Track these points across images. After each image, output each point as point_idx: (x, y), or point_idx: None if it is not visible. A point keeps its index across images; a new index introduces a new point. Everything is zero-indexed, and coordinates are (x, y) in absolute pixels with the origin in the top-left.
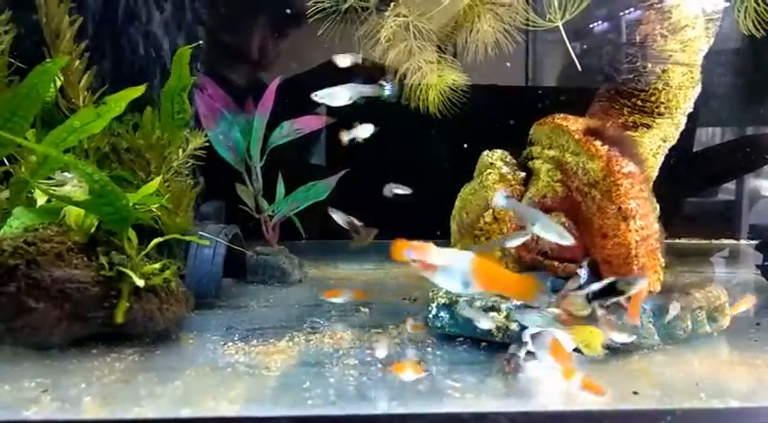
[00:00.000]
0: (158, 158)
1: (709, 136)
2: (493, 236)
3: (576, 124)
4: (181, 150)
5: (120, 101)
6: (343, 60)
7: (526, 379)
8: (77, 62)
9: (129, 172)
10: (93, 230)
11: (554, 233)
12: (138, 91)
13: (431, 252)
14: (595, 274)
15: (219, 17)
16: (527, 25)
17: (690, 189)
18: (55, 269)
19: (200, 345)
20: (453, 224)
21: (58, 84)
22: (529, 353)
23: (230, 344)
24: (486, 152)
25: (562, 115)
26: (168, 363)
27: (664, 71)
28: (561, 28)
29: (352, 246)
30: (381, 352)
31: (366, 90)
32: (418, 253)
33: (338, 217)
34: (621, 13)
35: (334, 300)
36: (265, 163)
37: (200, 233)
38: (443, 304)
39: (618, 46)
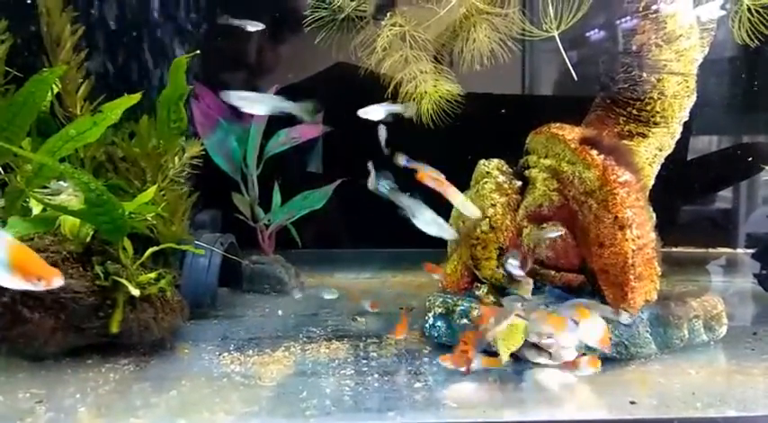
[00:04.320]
0: (154, 167)
1: (705, 144)
2: (489, 245)
3: (572, 133)
4: (177, 159)
5: (116, 109)
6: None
7: (524, 388)
8: (75, 71)
9: (124, 181)
10: (88, 240)
11: (435, 226)
12: (133, 99)
13: None
14: (593, 284)
15: (217, 25)
16: (523, 35)
17: (686, 198)
18: None
19: (196, 355)
20: None
21: (55, 90)
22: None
23: (226, 354)
24: (482, 161)
25: (558, 124)
26: (163, 373)
27: (659, 80)
28: (557, 38)
29: None
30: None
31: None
32: None
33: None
34: (617, 23)
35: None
36: (262, 171)
37: (196, 242)
38: (440, 314)
39: (613, 55)
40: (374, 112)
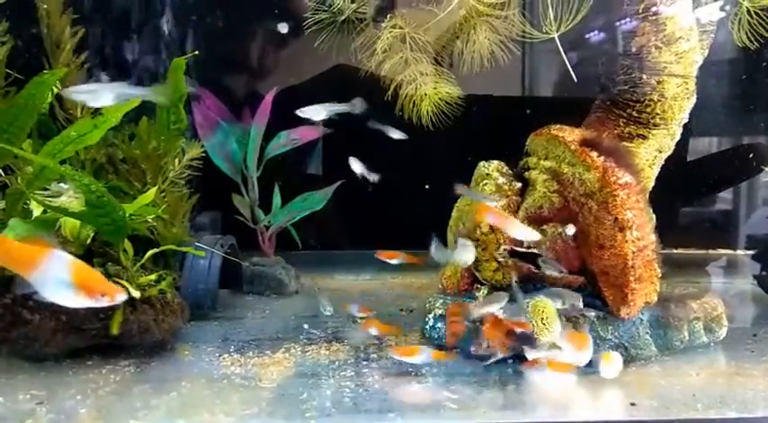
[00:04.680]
0: (154, 169)
1: (705, 145)
2: (490, 246)
3: (572, 135)
4: (177, 160)
5: (117, 112)
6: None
7: (524, 389)
8: (76, 73)
9: (125, 182)
10: (89, 241)
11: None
12: (134, 102)
13: None
14: (593, 286)
15: (217, 28)
16: (523, 37)
17: (686, 199)
18: None
19: (196, 356)
20: (450, 235)
21: (55, 92)
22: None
23: (226, 355)
24: (482, 163)
25: (558, 126)
26: (164, 374)
27: (659, 82)
28: (557, 39)
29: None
30: None
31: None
32: None
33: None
34: (617, 25)
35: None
36: (262, 173)
37: (196, 244)
38: (440, 315)
39: (613, 57)
40: (314, 112)
